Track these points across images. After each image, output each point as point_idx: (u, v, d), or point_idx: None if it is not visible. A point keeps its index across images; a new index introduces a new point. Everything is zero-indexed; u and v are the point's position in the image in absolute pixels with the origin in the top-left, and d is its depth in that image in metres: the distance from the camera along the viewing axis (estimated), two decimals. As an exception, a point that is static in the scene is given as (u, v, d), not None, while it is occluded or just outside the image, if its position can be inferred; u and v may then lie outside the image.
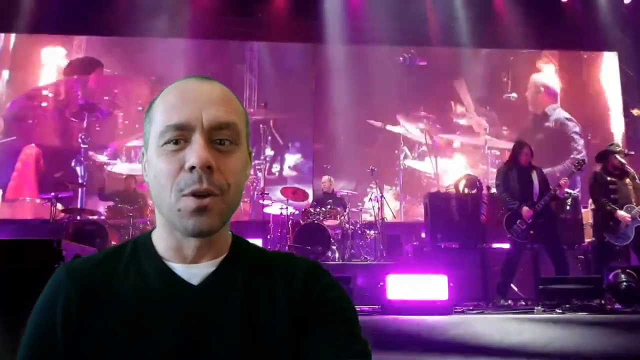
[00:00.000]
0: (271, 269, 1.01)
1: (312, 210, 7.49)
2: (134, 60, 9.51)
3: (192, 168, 0.89)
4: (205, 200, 0.90)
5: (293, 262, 1.03)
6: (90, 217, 7.44)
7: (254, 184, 9.15)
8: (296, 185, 8.51)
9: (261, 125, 9.01)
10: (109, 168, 8.96)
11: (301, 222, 7.40)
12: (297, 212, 7.80)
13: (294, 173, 9.40)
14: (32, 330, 0.95)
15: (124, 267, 0.97)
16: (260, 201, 7.89)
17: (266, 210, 7.88)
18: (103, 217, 7.46)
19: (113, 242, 6.72)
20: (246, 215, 9.05)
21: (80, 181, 8.73)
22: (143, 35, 9.04)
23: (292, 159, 9.62)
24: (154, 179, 0.94)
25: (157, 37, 9.05)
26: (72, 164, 9.07)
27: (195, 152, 0.90)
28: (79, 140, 9.15)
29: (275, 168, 9.51)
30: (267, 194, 7.87)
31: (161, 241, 0.98)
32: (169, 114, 0.93)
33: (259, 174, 9.14)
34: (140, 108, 9.30)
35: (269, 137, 9.37)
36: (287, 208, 7.54)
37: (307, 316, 0.96)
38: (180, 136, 0.92)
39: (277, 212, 7.70)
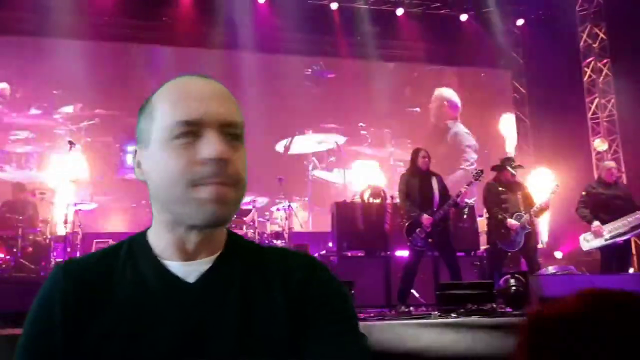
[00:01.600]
0: (268, 265, 1.01)
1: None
2: (28, 61, 8.91)
3: (208, 160, 0.90)
4: (223, 189, 0.91)
5: (290, 258, 1.03)
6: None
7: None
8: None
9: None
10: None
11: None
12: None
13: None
14: (30, 329, 0.93)
15: (121, 266, 0.97)
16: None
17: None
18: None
19: (0, 255, 6.25)
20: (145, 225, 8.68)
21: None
22: (38, 35, 8.49)
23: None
24: (157, 174, 0.93)
25: (53, 37, 8.53)
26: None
27: (212, 145, 0.91)
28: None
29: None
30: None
31: (159, 239, 0.98)
32: (178, 110, 0.93)
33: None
34: (35, 112, 8.70)
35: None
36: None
37: (306, 314, 0.96)
38: (190, 131, 0.92)
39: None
